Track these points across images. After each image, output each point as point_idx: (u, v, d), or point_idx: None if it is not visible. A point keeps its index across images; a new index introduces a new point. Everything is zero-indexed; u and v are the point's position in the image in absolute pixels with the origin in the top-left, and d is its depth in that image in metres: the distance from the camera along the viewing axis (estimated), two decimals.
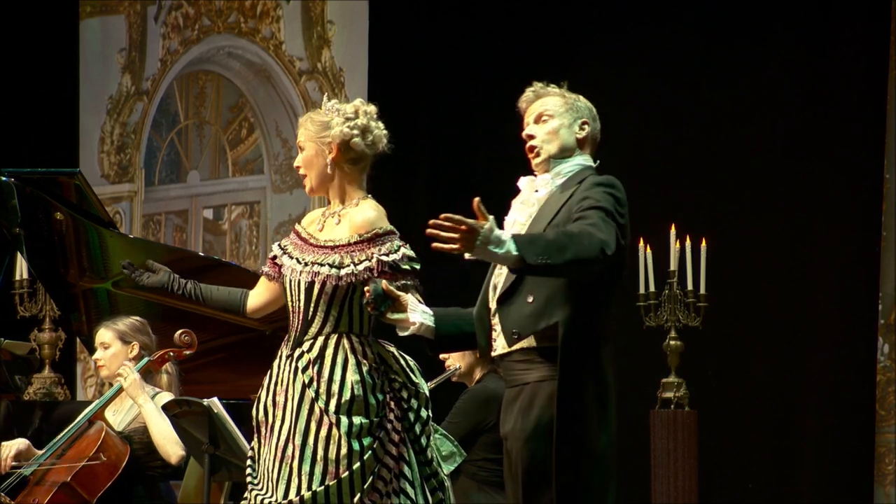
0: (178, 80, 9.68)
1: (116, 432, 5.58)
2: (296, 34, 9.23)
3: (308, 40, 9.19)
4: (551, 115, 4.22)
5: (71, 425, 5.63)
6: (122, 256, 5.89)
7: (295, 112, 9.09)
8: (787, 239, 7.61)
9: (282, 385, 4.30)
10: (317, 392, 4.22)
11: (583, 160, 4.22)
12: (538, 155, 4.21)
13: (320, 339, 4.28)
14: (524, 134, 4.25)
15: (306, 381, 4.24)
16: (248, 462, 4.39)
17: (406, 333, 4.23)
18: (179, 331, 5.55)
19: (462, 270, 4.44)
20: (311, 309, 4.29)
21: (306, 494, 4.18)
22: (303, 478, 4.19)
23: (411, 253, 4.29)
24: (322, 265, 4.28)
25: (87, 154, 9.81)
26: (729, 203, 7.72)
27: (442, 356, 5.65)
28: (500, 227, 3.99)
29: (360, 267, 4.24)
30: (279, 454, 4.24)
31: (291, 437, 4.23)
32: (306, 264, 4.31)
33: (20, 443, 5.68)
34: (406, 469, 4.26)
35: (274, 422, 4.29)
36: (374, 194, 4.39)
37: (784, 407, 7.55)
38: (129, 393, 5.57)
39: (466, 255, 3.90)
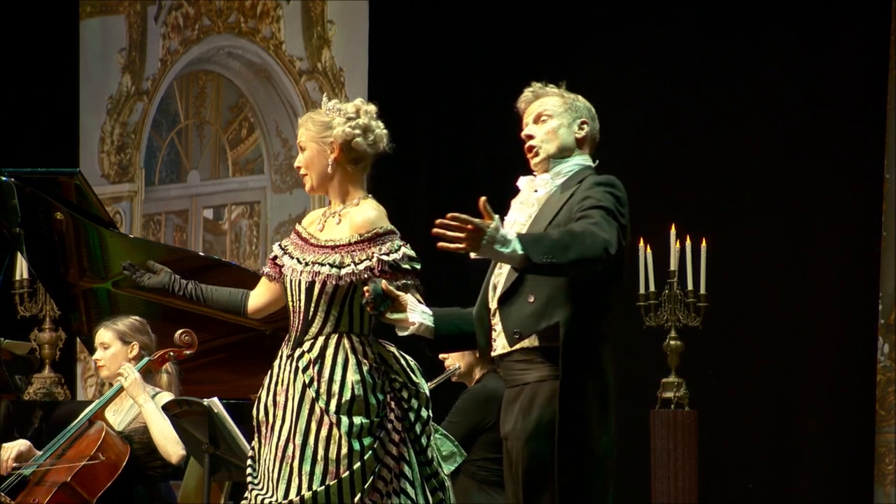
0: (179, 80, 9.68)
1: (116, 432, 5.58)
2: (296, 34, 9.23)
3: (308, 40, 9.19)
4: (550, 115, 4.22)
5: (71, 425, 5.63)
6: (122, 256, 5.90)
7: (295, 112, 9.09)
8: (787, 239, 7.61)
9: (282, 385, 4.30)
10: (317, 392, 4.23)
11: (582, 160, 4.22)
12: (537, 155, 4.21)
13: (321, 339, 4.28)
14: (523, 134, 4.25)
15: (307, 381, 4.24)
16: (249, 462, 4.39)
17: (405, 333, 4.23)
18: (180, 331, 5.55)
19: (462, 271, 4.44)
20: (312, 309, 4.29)
21: (307, 494, 4.18)
22: (303, 478, 4.19)
23: (412, 252, 4.30)
24: (323, 265, 4.28)
25: (87, 154, 9.81)
26: (729, 203, 7.72)
27: (441, 356, 5.65)
28: None
29: (361, 266, 4.24)
30: (279, 454, 4.24)
31: (292, 436, 4.23)
32: (307, 264, 4.31)
33: (21, 444, 5.67)
34: (406, 469, 4.26)
35: (274, 422, 4.29)
36: (375, 194, 4.39)
37: (784, 407, 7.55)
38: (129, 392, 5.57)
39: (472, 255, 3.90)
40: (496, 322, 4.13)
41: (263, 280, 4.51)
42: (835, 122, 7.50)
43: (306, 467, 4.20)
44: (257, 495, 4.28)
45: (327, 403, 4.21)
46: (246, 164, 9.43)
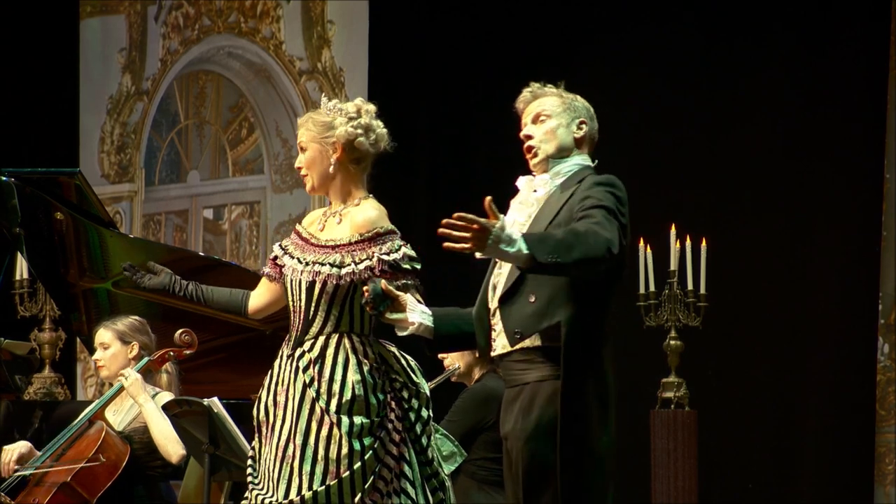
0: (179, 79, 9.68)
1: (117, 432, 5.58)
2: (296, 34, 9.23)
3: (308, 40, 9.19)
4: (549, 115, 4.22)
5: (71, 425, 5.63)
6: (122, 256, 5.91)
7: (295, 112, 9.09)
8: (787, 239, 7.61)
9: (283, 385, 4.30)
10: (318, 392, 4.23)
11: (581, 160, 4.22)
12: (536, 155, 4.21)
13: (321, 339, 4.28)
14: (522, 134, 4.25)
15: (307, 381, 4.25)
16: (249, 462, 4.39)
17: (405, 333, 4.23)
18: (180, 330, 5.55)
19: (463, 271, 4.44)
20: (312, 308, 4.29)
21: (307, 494, 4.18)
22: (303, 477, 4.20)
23: (412, 252, 4.30)
24: (323, 265, 4.28)
25: (87, 154, 9.81)
26: (729, 203, 7.72)
27: (441, 356, 5.65)
28: None
29: (361, 266, 4.24)
30: (280, 454, 4.24)
31: (292, 436, 4.23)
32: (307, 264, 4.31)
33: (22, 446, 5.67)
34: (407, 469, 4.26)
35: (275, 421, 4.29)
36: (375, 194, 4.39)
37: (784, 407, 7.55)
38: (129, 392, 5.57)
39: (478, 255, 3.90)
40: (496, 322, 4.13)
41: (264, 280, 4.51)
42: (835, 122, 7.50)
43: (307, 467, 4.20)
44: (258, 495, 4.28)
45: (328, 403, 4.21)
46: (246, 164, 9.43)
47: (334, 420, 4.20)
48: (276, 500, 4.21)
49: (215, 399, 5.10)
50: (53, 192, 6.07)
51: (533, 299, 4.02)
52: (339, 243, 4.30)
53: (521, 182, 4.23)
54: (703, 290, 7.26)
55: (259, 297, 4.53)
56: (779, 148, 7.64)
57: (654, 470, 7.18)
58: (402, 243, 4.29)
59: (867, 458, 7.29)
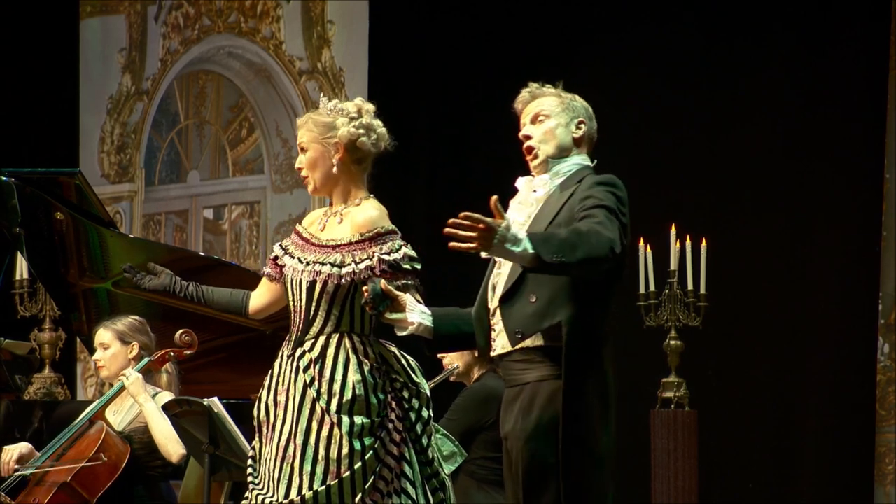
0: (179, 79, 9.68)
1: (117, 432, 5.58)
2: (296, 34, 9.23)
3: (308, 40, 9.19)
4: (548, 115, 4.22)
5: (71, 425, 5.63)
6: (122, 256, 5.91)
7: (295, 112, 9.09)
8: (787, 239, 7.61)
9: (283, 385, 4.30)
10: (318, 392, 4.23)
11: (580, 159, 4.22)
12: (536, 156, 4.21)
13: (322, 339, 4.28)
14: (521, 134, 4.24)
15: (308, 381, 4.25)
16: (249, 462, 4.39)
17: (404, 333, 4.23)
18: (180, 331, 5.55)
19: (463, 271, 4.44)
20: (313, 308, 4.29)
21: (307, 494, 4.18)
22: (304, 477, 4.20)
23: (412, 252, 4.30)
24: (324, 264, 4.28)
25: (87, 154, 9.81)
26: (729, 203, 7.72)
27: (440, 356, 5.65)
28: None
29: (362, 266, 4.24)
30: (280, 454, 4.24)
31: (293, 436, 4.23)
32: (308, 263, 4.31)
33: (23, 447, 5.67)
34: (407, 469, 4.26)
35: (275, 421, 4.29)
36: (375, 194, 4.39)
37: (784, 407, 7.55)
38: (130, 392, 5.57)
39: (483, 254, 3.90)
40: (496, 322, 4.13)
41: (264, 280, 4.51)
42: (835, 122, 7.50)
43: (307, 467, 4.20)
44: (258, 495, 4.28)
45: (328, 403, 4.21)
46: (246, 164, 9.43)
47: (335, 420, 4.20)
48: (277, 500, 4.21)
49: (215, 399, 5.11)
50: (53, 191, 6.07)
51: (534, 299, 4.02)
52: (339, 243, 4.30)
53: (521, 182, 4.23)
54: (703, 290, 7.26)
55: (259, 297, 4.53)
56: (779, 148, 7.64)
57: (654, 470, 7.18)
58: (402, 243, 4.29)
59: (867, 458, 7.29)
